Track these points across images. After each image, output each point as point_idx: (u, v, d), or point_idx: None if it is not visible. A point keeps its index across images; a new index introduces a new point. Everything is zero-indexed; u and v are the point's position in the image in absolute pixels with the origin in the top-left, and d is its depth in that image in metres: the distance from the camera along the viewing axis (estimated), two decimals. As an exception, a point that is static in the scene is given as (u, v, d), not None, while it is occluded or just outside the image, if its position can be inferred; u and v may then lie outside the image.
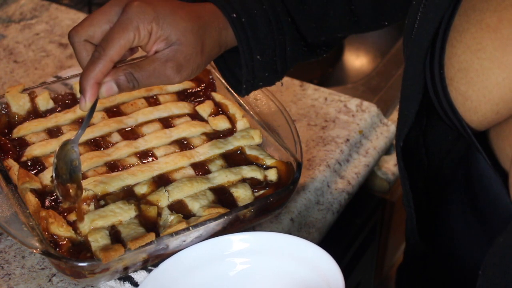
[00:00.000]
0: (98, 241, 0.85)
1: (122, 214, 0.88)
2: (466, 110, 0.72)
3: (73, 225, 0.87)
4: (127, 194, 0.92)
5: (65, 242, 0.85)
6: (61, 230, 0.85)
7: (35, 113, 1.03)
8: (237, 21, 0.83)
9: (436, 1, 0.72)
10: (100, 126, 1.00)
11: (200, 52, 0.80)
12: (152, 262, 0.87)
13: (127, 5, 0.77)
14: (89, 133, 0.99)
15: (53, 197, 0.91)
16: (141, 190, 0.92)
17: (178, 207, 0.91)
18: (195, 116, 1.05)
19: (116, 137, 1.00)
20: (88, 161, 0.95)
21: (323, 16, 0.89)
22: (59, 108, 1.04)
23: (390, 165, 1.18)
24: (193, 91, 1.09)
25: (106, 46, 0.76)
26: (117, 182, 0.92)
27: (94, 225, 0.87)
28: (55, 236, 0.85)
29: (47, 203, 0.90)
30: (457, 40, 0.71)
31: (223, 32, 0.83)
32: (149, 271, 0.88)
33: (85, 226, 0.87)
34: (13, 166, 0.93)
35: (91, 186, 0.91)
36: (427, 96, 0.76)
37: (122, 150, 0.97)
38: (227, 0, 0.84)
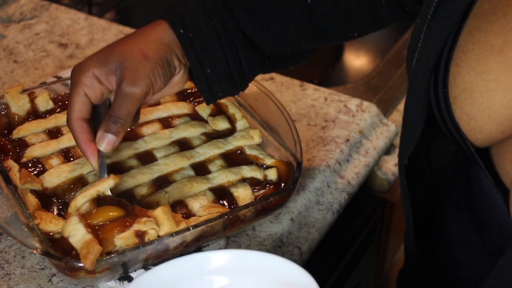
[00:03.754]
0: (73, 235, 0.83)
1: (101, 184, 0.87)
2: (471, 129, 0.72)
3: (63, 216, 0.87)
4: (127, 197, 0.92)
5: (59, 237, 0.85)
6: (50, 226, 0.85)
7: (34, 114, 1.03)
8: (185, 36, 0.85)
9: (442, 22, 0.71)
10: (100, 127, 1.00)
11: (143, 58, 0.83)
12: (152, 261, 0.87)
13: (72, 72, 0.86)
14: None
15: (57, 201, 0.91)
16: (141, 191, 0.92)
17: (178, 208, 0.91)
18: (194, 116, 1.05)
19: (116, 137, 1.00)
20: (89, 163, 0.94)
21: (283, 32, 0.89)
22: (58, 109, 1.04)
23: (390, 165, 1.18)
24: (193, 91, 1.09)
25: (68, 112, 0.85)
26: (117, 186, 0.92)
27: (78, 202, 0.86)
28: (50, 233, 0.85)
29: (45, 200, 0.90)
30: (462, 60, 0.70)
31: (166, 34, 0.85)
32: (149, 269, 0.87)
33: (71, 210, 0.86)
34: (13, 167, 0.93)
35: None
36: (429, 112, 0.76)
37: (121, 152, 0.97)
38: (176, 15, 0.86)
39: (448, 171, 0.87)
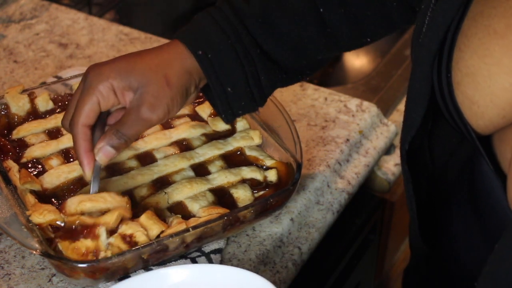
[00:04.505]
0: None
1: (113, 203, 0.87)
2: (473, 115, 0.72)
3: (58, 207, 0.87)
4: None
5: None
6: (40, 217, 0.85)
7: (34, 114, 1.03)
8: (204, 58, 0.85)
9: (444, 6, 0.71)
10: (100, 127, 1.00)
11: (166, 85, 0.83)
12: (152, 262, 0.87)
13: (86, 73, 0.85)
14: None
15: (57, 202, 0.91)
16: (141, 192, 0.92)
17: (178, 209, 0.91)
18: (194, 117, 1.05)
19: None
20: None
21: (298, 43, 0.89)
22: (58, 109, 1.04)
23: (390, 165, 1.18)
24: (193, 91, 1.09)
25: (75, 114, 0.84)
26: (117, 187, 0.92)
27: (82, 206, 0.86)
28: (36, 226, 0.84)
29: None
30: (465, 44, 0.70)
31: (187, 61, 0.85)
32: (149, 270, 0.87)
33: (71, 206, 0.86)
34: (13, 167, 0.93)
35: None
36: (433, 98, 0.76)
37: (121, 152, 0.97)
38: (193, 36, 0.86)
39: (450, 163, 0.88)
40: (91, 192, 0.88)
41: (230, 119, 0.90)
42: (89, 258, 0.82)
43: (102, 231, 0.82)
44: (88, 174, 0.85)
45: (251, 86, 0.87)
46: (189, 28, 0.87)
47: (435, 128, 0.84)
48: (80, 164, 0.85)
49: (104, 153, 0.84)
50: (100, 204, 0.87)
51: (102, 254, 0.82)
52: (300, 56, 0.90)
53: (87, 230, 0.83)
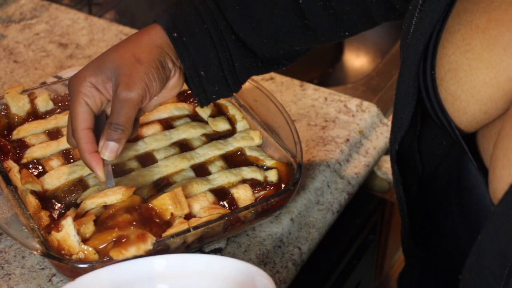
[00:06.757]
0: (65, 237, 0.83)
1: (109, 196, 0.87)
2: (455, 111, 0.73)
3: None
4: None
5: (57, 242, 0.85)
6: (28, 186, 0.87)
7: (34, 115, 1.03)
8: (178, 40, 0.86)
9: (431, 6, 0.73)
10: (100, 127, 1.00)
11: (136, 62, 0.84)
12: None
13: (68, 85, 0.87)
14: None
15: (57, 203, 0.91)
16: (142, 193, 0.92)
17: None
18: (195, 117, 1.05)
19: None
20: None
21: (275, 32, 0.90)
22: (58, 110, 1.04)
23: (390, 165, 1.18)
24: (193, 91, 1.09)
25: (72, 123, 0.85)
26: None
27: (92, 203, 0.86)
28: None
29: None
30: (448, 41, 0.72)
31: (158, 37, 0.86)
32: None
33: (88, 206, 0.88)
34: (13, 168, 0.93)
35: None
36: (421, 99, 0.77)
37: (122, 153, 0.97)
38: (170, 18, 0.87)
39: (442, 167, 0.88)
40: (108, 187, 0.88)
41: (204, 103, 0.91)
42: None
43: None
44: (100, 173, 0.85)
45: (224, 72, 0.88)
46: (166, 10, 0.88)
47: (425, 131, 0.85)
48: (90, 167, 0.85)
49: (107, 148, 0.84)
50: (110, 197, 0.87)
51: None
52: (276, 46, 0.91)
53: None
